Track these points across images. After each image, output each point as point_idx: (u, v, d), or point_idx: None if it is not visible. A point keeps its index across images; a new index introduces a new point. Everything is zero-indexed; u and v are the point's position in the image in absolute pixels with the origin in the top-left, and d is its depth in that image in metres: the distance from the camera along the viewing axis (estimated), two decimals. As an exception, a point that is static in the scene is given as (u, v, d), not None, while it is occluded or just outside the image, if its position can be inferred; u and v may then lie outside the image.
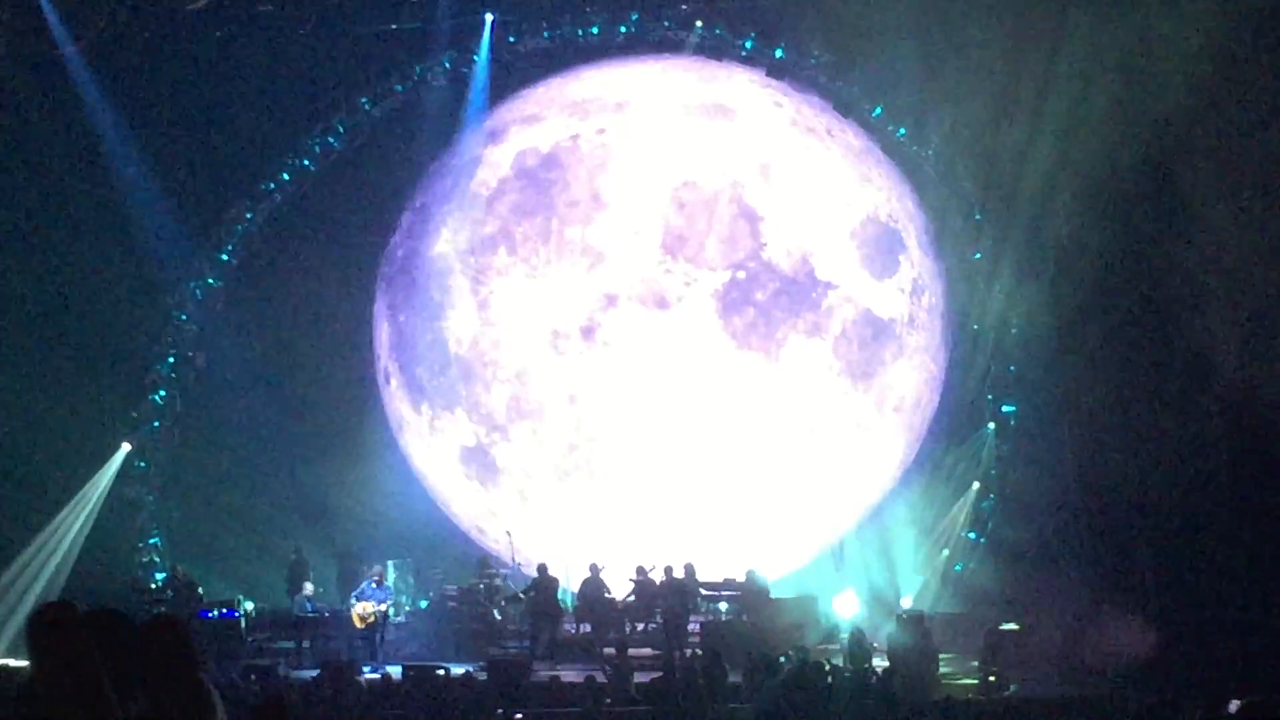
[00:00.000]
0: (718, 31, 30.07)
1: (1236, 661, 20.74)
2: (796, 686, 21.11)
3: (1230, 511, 24.33)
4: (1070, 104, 27.20)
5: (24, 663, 23.10)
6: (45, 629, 5.90)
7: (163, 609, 27.12)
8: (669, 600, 26.42)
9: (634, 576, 27.15)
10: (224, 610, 27.64)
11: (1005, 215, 29.15)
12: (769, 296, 29.15)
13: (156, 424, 30.32)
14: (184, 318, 30.60)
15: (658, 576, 27.04)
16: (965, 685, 23.60)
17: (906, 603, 27.00)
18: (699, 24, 30.03)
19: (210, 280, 30.75)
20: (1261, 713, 8.35)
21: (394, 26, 30.34)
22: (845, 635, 24.80)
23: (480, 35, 30.29)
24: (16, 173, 28.95)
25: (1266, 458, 24.23)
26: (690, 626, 26.84)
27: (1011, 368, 29.63)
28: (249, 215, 30.71)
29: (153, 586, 28.74)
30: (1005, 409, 29.70)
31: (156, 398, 30.28)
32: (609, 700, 21.03)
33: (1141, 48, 25.57)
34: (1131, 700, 20.96)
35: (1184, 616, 23.64)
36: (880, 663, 23.65)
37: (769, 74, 30.22)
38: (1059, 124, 27.31)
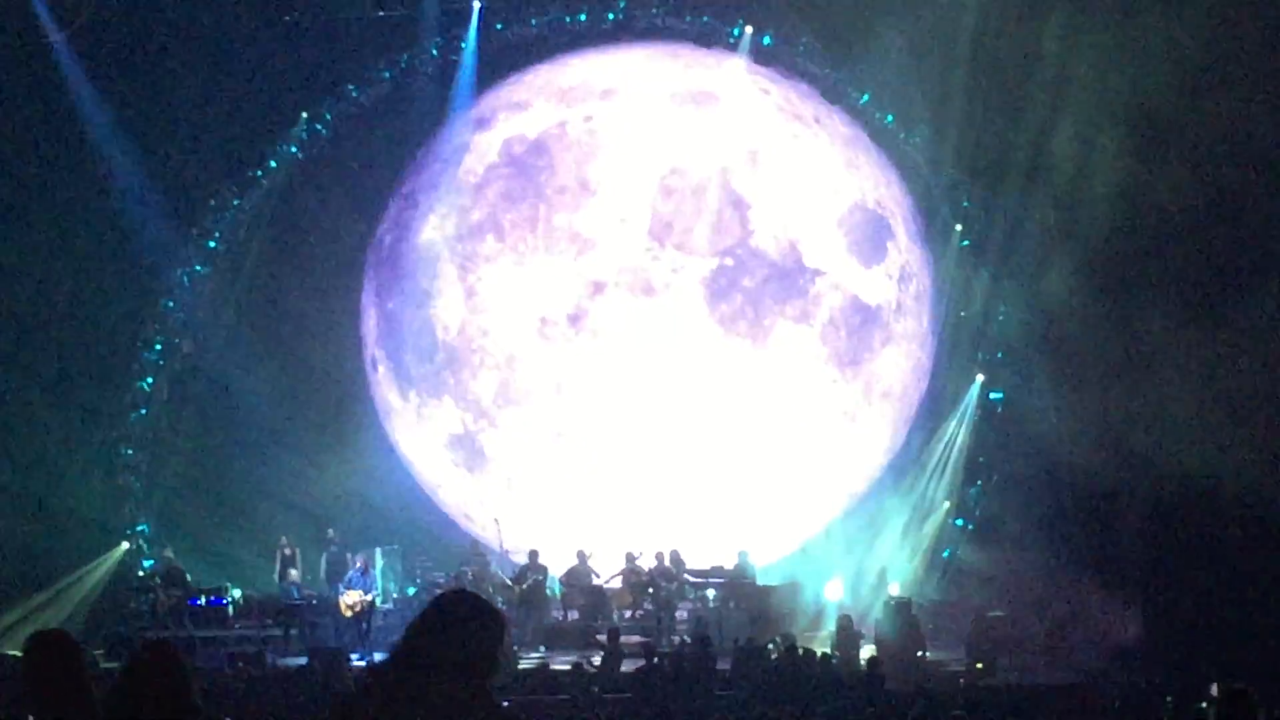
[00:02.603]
0: (705, 19, 30.03)
1: (1218, 647, 20.81)
2: (784, 673, 21.18)
3: (1215, 499, 24.37)
4: (1058, 90, 27.24)
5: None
6: (40, 655, 6.01)
7: (152, 596, 27.17)
8: (658, 587, 26.52)
9: (623, 564, 27.24)
10: (212, 598, 27.66)
11: (992, 202, 29.19)
12: (757, 283, 29.16)
13: (144, 411, 30.24)
14: (171, 305, 30.48)
15: (646, 563, 27.13)
16: (952, 672, 23.67)
17: (894, 590, 27.03)
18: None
19: (198, 267, 30.63)
20: (1241, 698, 8.41)
21: (381, 14, 30.23)
22: (833, 622, 24.86)
23: (468, 22, 30.19)
24: (3, 160, 28.84)
25: (1252, 446, 24.27)
26: (679, 614, 26.93)
27: (999, 354, 29.66)
28: (236, 202, 30.61)
29: (140, 574, 28.73)
30: (992, 396, 29.73)
31: (144, 384, 30.21)
32: (597, 688, 21.07)
33: (1129, 36, 25.62)
34: (1117, 686, 21.08)
35: (1168, 603, 23.71)
36: (867, 649, 23.74)
37: (756, 61, 30.18)
38: (1046, 111, 27.35)
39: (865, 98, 30.03)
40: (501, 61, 30.68)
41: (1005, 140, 28.03)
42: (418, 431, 30.93)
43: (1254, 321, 24.78)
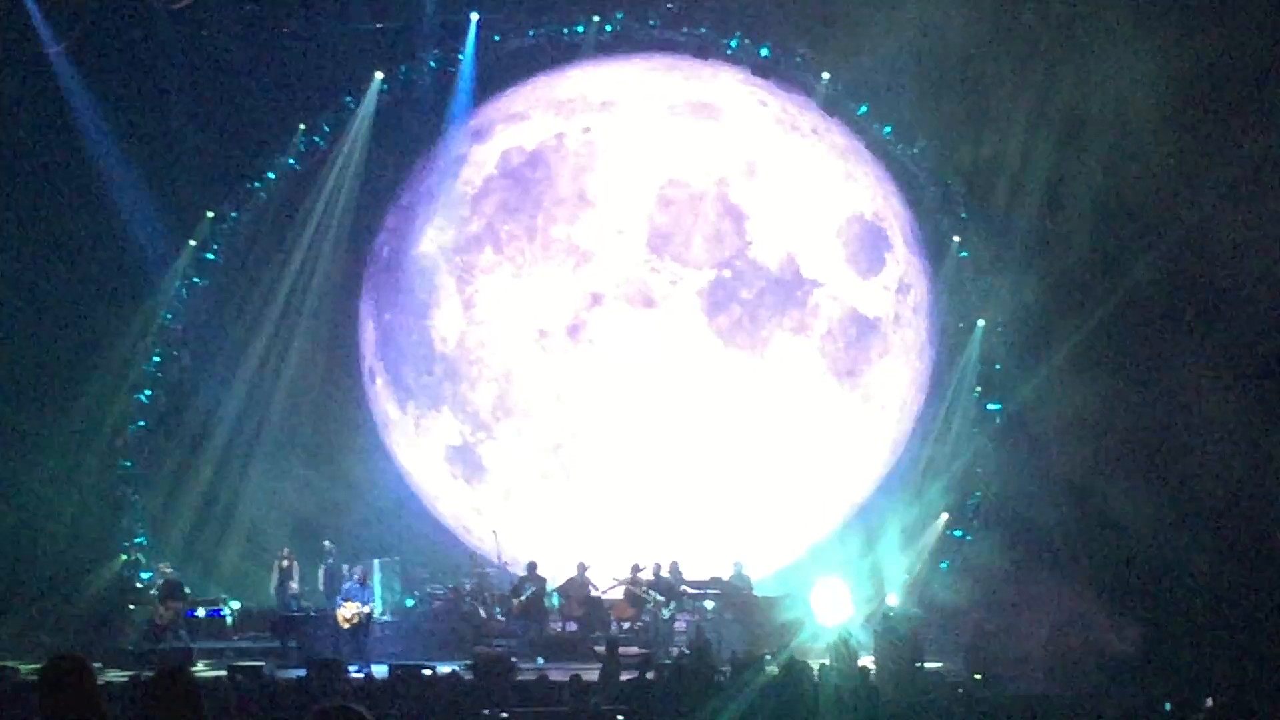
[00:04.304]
0: (703, 30, 30.04)
1: (1213, 660, 20.81)
2: (782, 686, 21.14)
3: (1211, 511, 24.39)
4: (1056, 103, 27.27)
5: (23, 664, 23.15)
6: (55, 677, 6.08)
7: (149, 609, 27.14)
8: (655, 599, 26.51)
9: (627, 574, 27.21)
10: (210, 609, 27.67)
11: (991, 213, 29.18)
12: (755, 295, 29.17)
13: (142, 423, 30.24)
14: (169, 317, 30.49)
15: (647, 575, 27.10)
16: (950, 684, 23.62)
17: (892, 601, 27.02)
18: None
19: (195, 279, 30.65)
20: (1234, 709, 8.43)
21: (379, 25, 30.27)
22: (831, 634, 24.82)
23: (466, 34, 30.21)
24: (1, 173, 28.87)
25: (1248, 459, 24.30)
26: (677, 625, 26.91)
27: (998, 365, 29.64)
28: (234, 214, 30.61)
29: (138, 586, 28.71)
30: (991, 407, 29.70)
31: (141, 397, 30.21)
32: (595, 699, 21.03)
33: (1124, 50, 25.68)
34: (1114, 698, 21.05)
35: (1165, 616, 23.70)
36: (865, 661, 23.69)
37: (754, 72, 30.19)
38: (1045, 122, 27.38)
39: (863, 109, 30.03)
40: (499, 73, 30.70)
41: (1004, 149, 28.04)
42: (416, 443, 30.92)
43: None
